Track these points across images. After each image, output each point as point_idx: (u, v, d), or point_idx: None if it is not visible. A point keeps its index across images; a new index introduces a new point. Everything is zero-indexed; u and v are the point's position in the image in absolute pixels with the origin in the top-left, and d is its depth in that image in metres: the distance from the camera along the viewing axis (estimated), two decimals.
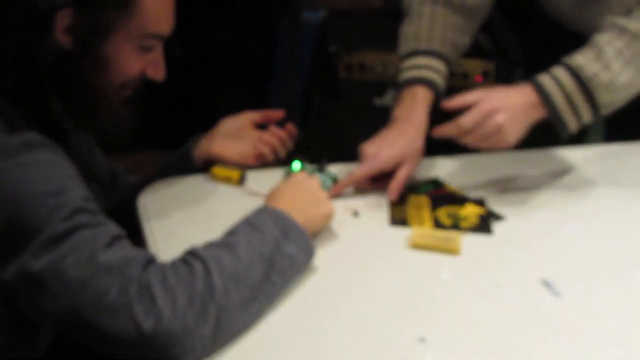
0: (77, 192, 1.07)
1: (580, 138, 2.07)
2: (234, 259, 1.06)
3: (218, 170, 1.47)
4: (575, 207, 1.45)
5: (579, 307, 1.16)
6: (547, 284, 1.20)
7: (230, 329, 1.04)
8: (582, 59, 1.39)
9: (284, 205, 1.20)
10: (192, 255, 1.06)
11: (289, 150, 1.56)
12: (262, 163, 1.53)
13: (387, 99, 2.23)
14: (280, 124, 1.56)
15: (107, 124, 1.25)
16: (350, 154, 1.51)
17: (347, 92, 2.59)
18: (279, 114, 1.57)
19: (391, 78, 1.99)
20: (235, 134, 1.53)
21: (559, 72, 1.40)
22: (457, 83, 2.31)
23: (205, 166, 1.52)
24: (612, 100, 1.40)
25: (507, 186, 1.51)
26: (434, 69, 1.55)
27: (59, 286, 1.00)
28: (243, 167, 1.49)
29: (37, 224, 1.02)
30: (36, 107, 1.15)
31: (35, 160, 1.07)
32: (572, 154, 1.67)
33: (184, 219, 1.34)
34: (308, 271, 1.20)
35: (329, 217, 1.29)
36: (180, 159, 1.54)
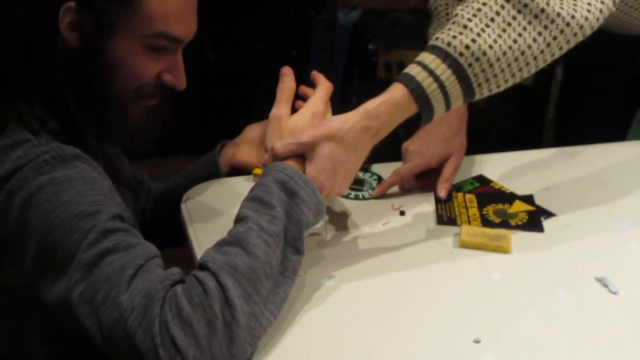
0: (108, 210, 1.04)
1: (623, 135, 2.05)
2: (248, 258, 1.00)
3: (260, 171, 1.45)
4: (624, 203, 1.41)
5: (636, 305, 1.13)
6: (603, 282, 1.17)
7: (262, 326, 0.99)
8: (437, 33, 1.21)
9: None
10: (203, 270, 1.00)
11: None
12: None
13: None
14: None
15: (132, 133, 1.23)
16: (392, 153, 1.49)
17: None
18: None
19: None
20: (260, 141, 1.51)
21: (421, 55, 1.20)
22: None
23: (230, 173, 1.51)
24: (484, 69, 1.17)
25: (554, 182, 1.48)
26: None
27: (94, 323, 0.98)
28: None
29: (70, 249, 1.00)
30: (58, 114, 1.13)
31: (68, 176, 1.06)
32: (617, 149, 1.64)
33: (228, 221, 1.31)
34: (356, 272, 1.19)
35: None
36: (206, 166, 1.53)
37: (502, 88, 1.20)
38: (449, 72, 1.16)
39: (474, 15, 1.18)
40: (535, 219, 1.34)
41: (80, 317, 0.99)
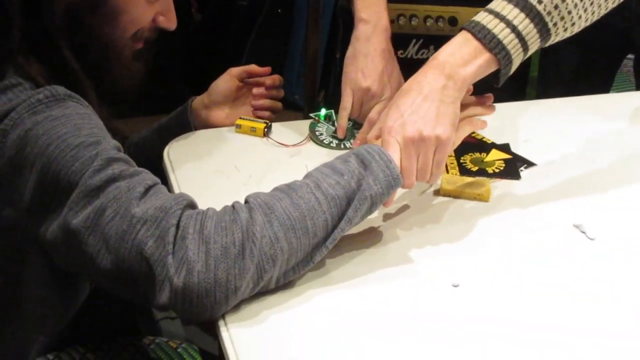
0: (108, 142, 1.05)
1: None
2: (290, 206, 1.01)
3: (243, 122, 1.46)
4: (605, 154, 1.42)
5: (614, 251, 1.14)
6: (581, 229, 1.18)
7: (274, 274, 1.00)
8: None
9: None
10: (244, 203, 1.03)
11: (282, 98, 1.55)
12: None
13: (411, 51, 2.20)
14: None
15: (118, 79, 1.23)
16: None
17: None
18: (264, 69, 1.53)
19: (413, 30, 1.96)
20: (228, 98, 1.51)
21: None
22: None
23: None
24: (557, 4, 1.13)
25: (536, 134, 1.49)
26: None
27: (99, 241, 0.98)
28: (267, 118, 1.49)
29: (72, 178, 1.00)
30: (51, 62, 1.13)
31: (64, 113, 1.05)
32: (600, 102, 1.65)
33: (211, 171, 1.33)
34: None
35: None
36: (179, 125, 1.51)
37: (577, 28, 1.17)
38: (516, 10, 1.13)
39: None
40: (511, 167, 1.35)
41: (83, 238, 0.99)
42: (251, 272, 0.97)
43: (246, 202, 1.03)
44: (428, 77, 1.14)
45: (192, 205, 1.02)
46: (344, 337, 0.97)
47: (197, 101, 1.52)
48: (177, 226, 0.96)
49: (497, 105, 1.58)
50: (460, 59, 1.14)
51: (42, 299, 1.21)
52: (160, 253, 0.95)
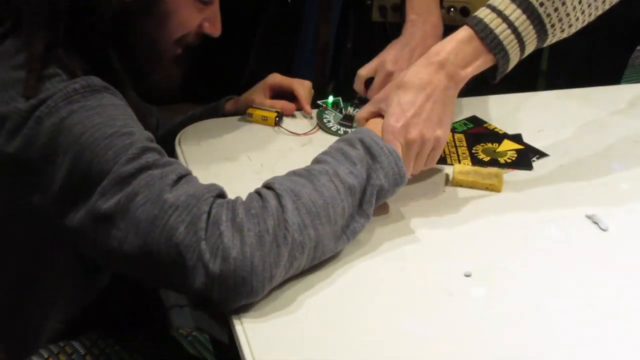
0: (142, 133, 1.05)
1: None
2: (314, 192, 1.02)
3: (254, 111, 1.46)
4: (618, 144, 1.42)
5: (627, 242, 1.14)
6: (593, 220, 1.17)
7: (303, 261, 1.01)
8: None
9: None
10: (268, 189, 1.03)
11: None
12: None
13: None
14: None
15: (157, 82, 1.24)
16: None
17: (381, 35, 2.53)
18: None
19: None
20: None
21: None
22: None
23: None
24: (557, 7, 1.12)
25: (548, 124, 1.48)
26: None
27: (129, 225, 0.98)
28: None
29: (105, 166, 1.00)
30: (94, 59, 1.13)
31: (99, 103, 1.06)
32: (612, 93, 1.64)
33: (223, 160, 1.33)
34: None
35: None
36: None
37: (574, 29, 1.17)
38: (519, 11, 1.13)
39: None
40: (524, 157, 1.35)
41: (113, 222, 0.99)
42: (285, 259, 0.97)
43: (269, 187, 1.03)
44: (431, 76, 1.15)
45: (222, 194, 1.02)
46: (354, 326, 0.97)
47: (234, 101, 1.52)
48: (209, 213, 0.97)
49: (509, 96, 1.59)
50: (462, 59, 1.15)
51: (58, 286, 1.22)
52: (190, 239, 0.95)
